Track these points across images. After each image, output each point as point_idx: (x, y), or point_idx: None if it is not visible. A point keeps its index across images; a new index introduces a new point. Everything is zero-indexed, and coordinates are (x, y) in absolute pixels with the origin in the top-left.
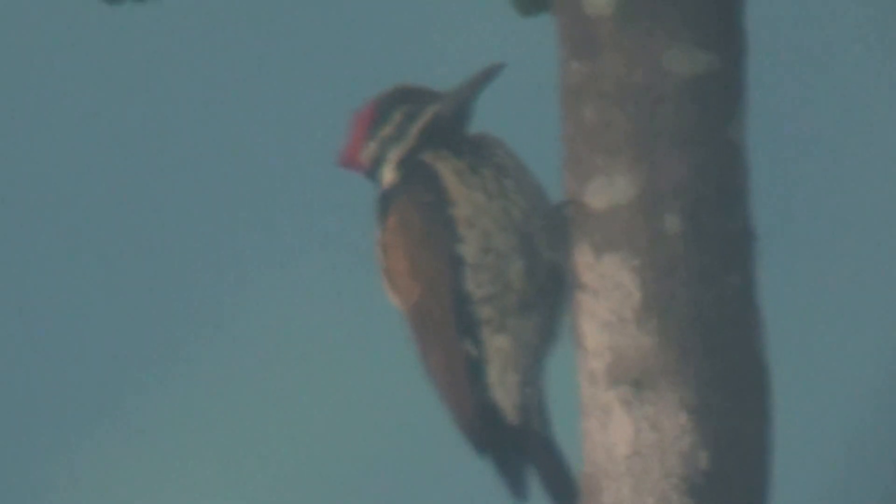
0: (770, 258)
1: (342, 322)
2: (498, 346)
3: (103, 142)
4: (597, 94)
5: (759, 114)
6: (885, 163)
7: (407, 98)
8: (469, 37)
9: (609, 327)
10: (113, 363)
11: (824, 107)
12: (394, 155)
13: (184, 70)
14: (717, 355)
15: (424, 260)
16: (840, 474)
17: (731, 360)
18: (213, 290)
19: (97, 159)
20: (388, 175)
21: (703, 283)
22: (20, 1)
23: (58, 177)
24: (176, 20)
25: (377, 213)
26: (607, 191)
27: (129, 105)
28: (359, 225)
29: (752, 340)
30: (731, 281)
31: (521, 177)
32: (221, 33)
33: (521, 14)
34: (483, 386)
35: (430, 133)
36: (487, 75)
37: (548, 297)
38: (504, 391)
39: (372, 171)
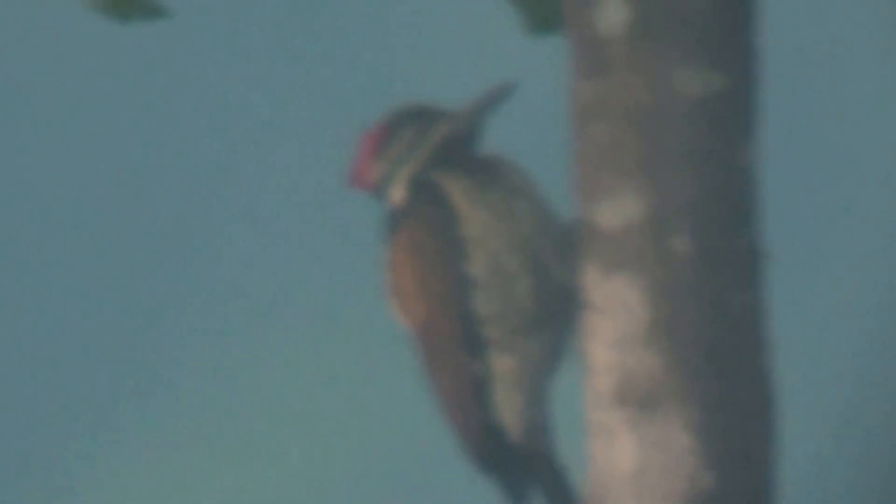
0: (779, 278)
1: (348, 340)
2: (505, 366)
3: (106, 155)
4: (607, 114)
5: (770, 132)
6: None
7: (416, 117)
8: (480, 56)
9: (616, 347)
10: (109, 370)
11: (837, 126)
12: (403, 174)
13: (192, 89)
14: (725, 375)
15: (432, 279)
16: (846, 495)
17: (738, 381)
18: (216, 300)
19: (99, 174)
20: (397, 194)
21: (712, 303)
22: (28, 17)
23: (59, 198)
24: (185, 37)
25: (385, 231)
26: (617, 211)
27: (137, 120)
28: (367, 244)
29: (760, 361)
30: (739, 301)
31: (530, 196)
32: (231, 54)
33: (532, 34)
34: (489, 405)
35: (439, 152)
36: (498, 94)
37: (556, 317)
38: (510, 411)
39: (380, 190)
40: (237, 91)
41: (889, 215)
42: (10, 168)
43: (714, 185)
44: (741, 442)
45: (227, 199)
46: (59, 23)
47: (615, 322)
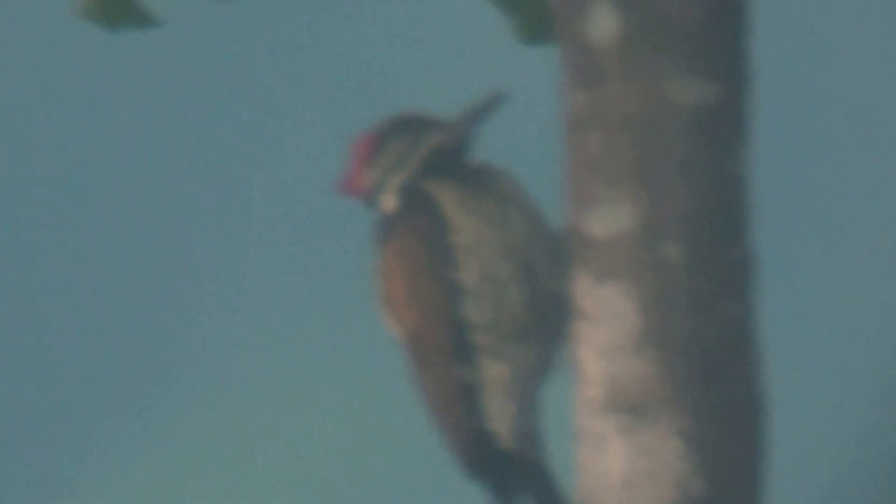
0: (770, 286)
1: (340, 348)
2: (495, 373)
3: (107, 164)
4: (600, 123)
5: (763, 141)
6: (893, 191)
7: (409, 125)
8: (472, 65)
9: (607, 355)
10: (115, 374)
11: (832, 134)
12: (394, 182)
13: (184, 97)
14: (716, 384)
15: (423, 287)
16: (837, 499)
17: (729, 389)
18: (215, 310)
19: (99, 183)
20: (389, 202)
21: (703, 311)
22: (23, 25)
23: (63, 210)
24: (177, 45)
25: (376, 240)
26: (609, 220)
27: (131, 129)
28: (358, 251)
29: (751, 369)
30: (730, 310)
31: (522, 205)
32: (224, 61)
33: (525, 43)
34: (479, 413)
35: (431, 161)
36: (490, 103)
37: (547, 325)
38: (501, 418)
39: (372, 198)
40: (232, 98)
41: (882, 224)
42: (31, 168)
43: (706, 193)
44: (732, 450)
45: (221, 207)
46: (60, 26)
47: (606, 330)
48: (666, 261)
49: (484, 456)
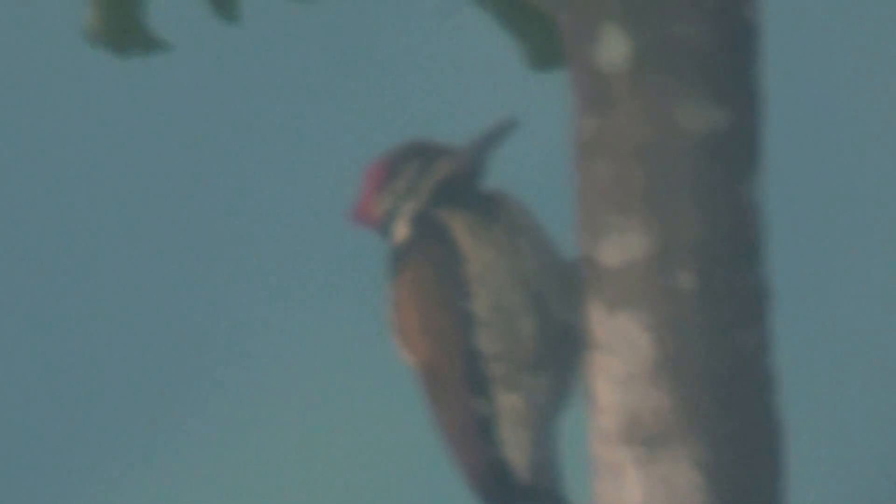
0: (785, 312)
1: (356, 378)
2: (510, 403)
3: (125, 185)
4: (610, 150)
5: (775, 168)
6: None
7: (420, 153)
8: (483, 91)
9: (622, 385)
10: (123, 385)
11: (844, 159)
12: (406, 210)
13: (194, 122)
14: (731, 412)
15: (436, 317)
16: None
17: (745, 418)
18: (228, 340)
19: (113, 213)
20: (401, 231)
21: (718, 340)
22: (32, 49)
23: (79, 222)
24: (185, 71)
25: (389, 269)
26: (621, 248)
27: (143, 154)
28: (370, 281)
29: (767, 397)
30: (745, 338)
31: (534, 234)
32: (232, 87)
33: (535, 69)
34: (494, 443)
35: (443, 189)
36: (501, 130)
37: (560, 355)
38: (516, 449)
39: (384, 227)
40: (245, 123)
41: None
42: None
43: (719, 220)
44: (749, 478)
45: (239, 223)
46: (75, 37)
47: (620, 360)
48: (679, 289)
49: (500, 486)
